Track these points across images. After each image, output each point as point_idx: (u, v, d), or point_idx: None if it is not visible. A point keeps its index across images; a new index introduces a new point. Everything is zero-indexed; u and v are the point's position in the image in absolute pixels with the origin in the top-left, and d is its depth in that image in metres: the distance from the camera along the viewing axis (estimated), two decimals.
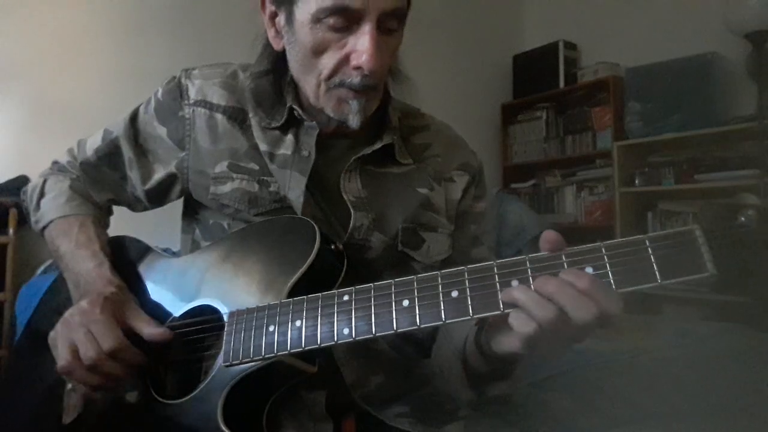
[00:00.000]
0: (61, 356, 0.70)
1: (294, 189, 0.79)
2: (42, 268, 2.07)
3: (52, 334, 0.73)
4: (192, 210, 0.90)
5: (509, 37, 3.87)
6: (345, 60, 0.72)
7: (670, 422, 1.17)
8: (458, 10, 3.44)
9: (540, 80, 3.60)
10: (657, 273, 0.52)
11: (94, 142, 0.91)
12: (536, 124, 3.65)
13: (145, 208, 0.93)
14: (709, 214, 0.53)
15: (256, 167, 0.82)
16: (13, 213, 2.15)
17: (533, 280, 0.54)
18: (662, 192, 3.00)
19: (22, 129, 2.32)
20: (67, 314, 0.73)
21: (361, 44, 0.70)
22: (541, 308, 0.53)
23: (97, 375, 0.70)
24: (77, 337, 0.70)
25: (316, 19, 0.70)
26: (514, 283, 0.55)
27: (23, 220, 2.18)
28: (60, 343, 0.71)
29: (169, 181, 0.88)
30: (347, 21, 0.70)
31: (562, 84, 3.49)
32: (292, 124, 0.82)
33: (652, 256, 0.52)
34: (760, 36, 2.56)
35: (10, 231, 2.14)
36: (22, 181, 2.25)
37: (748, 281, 0.51)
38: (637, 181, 3.05)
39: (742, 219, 0.50)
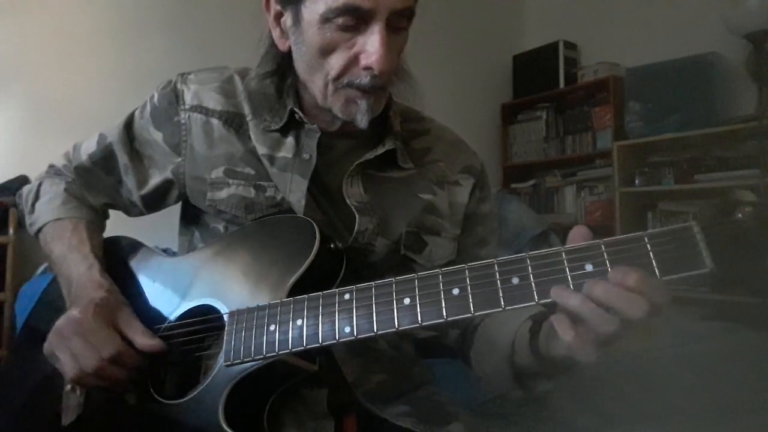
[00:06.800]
0: (67, 367, 0.70)
1: (295, 192, 0.79)
2: (42, 268, 2.07)
3: (46, 345, 0.72)
4: (191, 213, 0.90)
5: (509, 37, 3.87)
6: (354, 60, 0.71)
7: (670, 422, 1.17)
8: (458, 10, 3.44)
9: (540, 80, 3.60)
10: (656, 269, 0.52)
11: (88, 147, 0.90)
12: (536, 124, 3.64)
13: (141, 213, 0.92)
14: (708, 213, 0.53)
15: (253, 172, 0.81)
16: (13, 213, 2.15)
17: (583, 287, 0.53)
18: (662, 192, 3.00)
19: (22, 129, 2.32)
20: (58, 324, 0.71)
21: (371, 44, 0.69)
22: (592, 313, 0.52)
23: (103, 380, 0.70)
24: (74, 346, 0.69)
25: (325, 18, 0.69)
26: (515, 280, 0.55)
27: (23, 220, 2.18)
28: (60, 354, 0.70)
29: (166, 186, 0.87)
30: (357, 20, 0.69)
31: (562, 84, 3.49)
32: (292, 126, 0.82)
33: (651, 253, 0.52)
34: (760, 36, 2.56)
35: (10, 231, 2.14)
36: (22, 181, 2.25)
37: (745, 277, 0.51)
38: (637, 181, 3.05)
39: (739, 216, 0.50)
